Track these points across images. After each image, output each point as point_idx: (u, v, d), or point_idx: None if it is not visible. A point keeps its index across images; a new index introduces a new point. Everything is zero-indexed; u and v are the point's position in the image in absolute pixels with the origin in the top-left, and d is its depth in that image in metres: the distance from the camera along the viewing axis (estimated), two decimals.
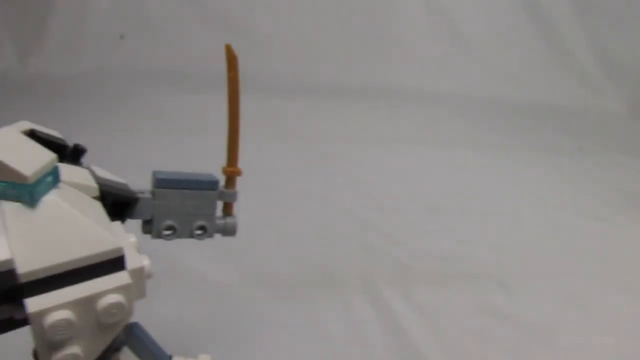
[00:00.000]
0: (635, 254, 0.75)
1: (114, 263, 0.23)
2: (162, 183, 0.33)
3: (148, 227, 0.34)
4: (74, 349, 0.23)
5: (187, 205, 0.34)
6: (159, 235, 0.34)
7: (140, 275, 0.24)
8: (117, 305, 0.23)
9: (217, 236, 0.36)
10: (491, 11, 1.66)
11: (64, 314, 0.22)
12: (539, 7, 1.66)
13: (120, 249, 0.23)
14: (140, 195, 0.32)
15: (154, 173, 0.33)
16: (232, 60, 0.34)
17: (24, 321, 0.23)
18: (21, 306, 0.22)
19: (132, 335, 0.30)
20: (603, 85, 1.65)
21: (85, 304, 0.22)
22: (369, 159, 0.98)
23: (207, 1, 1.52)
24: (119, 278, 0.23)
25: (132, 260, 0.24)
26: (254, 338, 0.49)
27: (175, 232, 0.34)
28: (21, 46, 1.39)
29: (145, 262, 0.25)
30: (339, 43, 1.52)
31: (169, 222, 0.34)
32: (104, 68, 1.37)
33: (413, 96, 1.46)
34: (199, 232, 0.35)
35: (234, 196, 0.36)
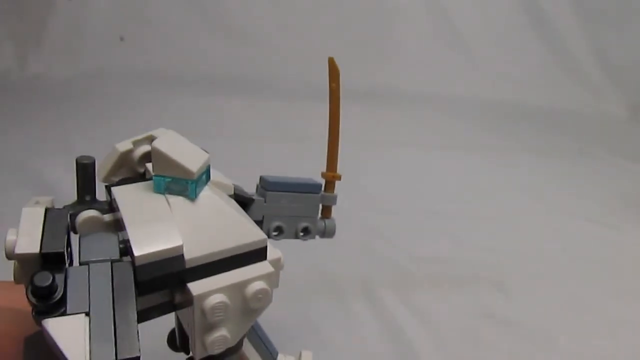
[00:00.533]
0: (635, 258, 0.74)
1: (259, 253, 0.26)
2: (274, 186, 0.35)
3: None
4: (224, 332, 0.25)
5: (293, 208, 0.36)
6: (268, 235, 0.36)
7: (277, 265, 0.27)
8: (263, 292, 0.25)
9: None
10: (491, 14, 1.65)
11: (222, 297, 0.24)
12: (539, 9, 1.65)
13: (265, 240, 0.26)
14: (255, 197, 0.34)
15: (263, 177, 0.36)
16: (334, 72, 0.36)
17: (178, 305, 0.25)
18: (180, 290, 0.24)
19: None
20: (603, 88, 1.63)
21: (237, 289, 0.24)
22: (369, 162, 0.97)
23: (208, 3, 1.52)
24: (264, 267, 0.25)
25: (271, 252, 0.26)
26: None
27: (282, 233, 0.36)
28: (21, 47, 1.38)
29: (280, 253, 0.27)
30: (339, 45, 1.49)
31: (277, 223, 0.36)
32: (104, 70, 1.37)
33: (413, 99, 1.46)
34: (302, 233, 0.37)
35: (333, 199, 0.38)
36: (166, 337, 0.32)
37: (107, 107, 1.17)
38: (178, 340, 0.30)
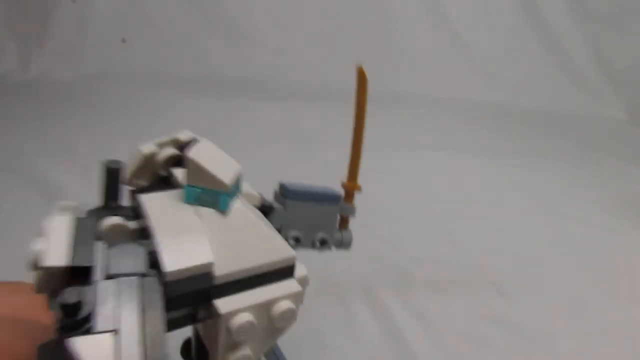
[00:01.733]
0: (634, 261, 0.74)
1: (287, 270, 0.25)
2: (294, 195, 0.34)
3: None
4: (247, 351, 0.24)
5: (312, 218, 0.35)
6: None
7: (304, 283, 0.26)
8: (290, 312, 0.24)
9: None
10: (491, 17, 1.66)
11: (248, 317, 0.23)
12: (539, 13, 1.66)
13: (294, 258, 0.25)
14: (275, 206, 0.33)
15: (283, 185, 0.35)
16: (362, 82, 0.35)
17: (201, 318, 0.24)
18: (204, 306, 0.23)
19: None
20: (603, 90, 1.64)
21: (264, 309, 0.23)
22: (369, 164, 0.96)
23: (209, 5, 1.52)
24: (291, 285, 0.25)
25: (298, 269, 0.26)
26: None
27: (299, 243, 0.35)
28: (24, 49, 1.38)
29: (305, 271, 0.26)
30: (340, 48, 1.50)
31: (295, 233, 0.35)
32: (106, 71, 1.37)
33: (414, 101, 1.46)
34: (319, 244, 0.36)
35: (352, 210, 0.37)
36: (179, 347, 0.31)
37: (109, 108, 1.17)
38: (194, 351, 0.29)
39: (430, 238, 0.74)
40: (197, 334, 0.28)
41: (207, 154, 0.23)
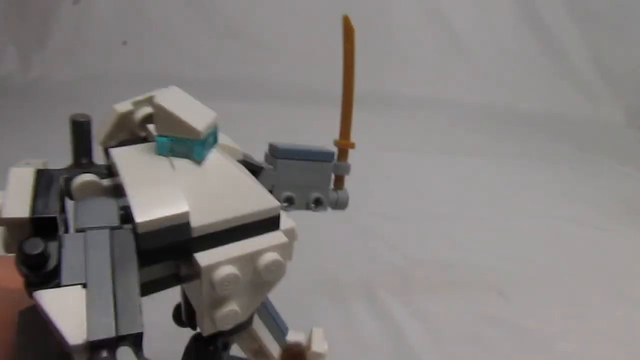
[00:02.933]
0: (632, 263, 0.74)
1: (271, 222, 0.23)
2: (284, 154, 0.33)
3: None
4: (234, 306, 0.23)
5: (305, 178, 0.34)
6: None
7: (291, 235, 0.24)
8: (276, 263, 0.23)
9: None
10: (491, 20, 1.66)
11: (232, 269, 0.22)
12: (538, 16, 1.66)
13: (278, 207, 0.23)
14: (264, 166, 0.32)
15: (273, 145, 0.34)
16: (349, 32, 0.34)
17: (184, 278, 0.23)
18: (186, 262, 0.22)
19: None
20: (602, 94, 1.63)
21: (248, 260, 0.22)
22: (369, 166, 0.97)
23: (209, 7, 1.53)
24: (277, 237, 0.23)
25: (284, 221, 0.24)
26: None
27: (292, 204, 0.34)
28: (24, 51, 1.39)
29: (293, 223, 0.25)
30: (339, 50, 1.50)
31: (287, 194, 0.34)
32: (107, 73, 1.38)
33: (413, 103, 1.46)
34: (314, 204, 0.35)
35: (347, 169, 0.36)
36: (171, 311, 0.30)
37: (109, 110, 1.16)
38: (184, 315, 0.28)
39: (430, 239, 0.74)
40: (185, 298, 0.28)
41: (177, 101, 0.22)
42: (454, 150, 1.15)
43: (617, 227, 0.84)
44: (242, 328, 0.27)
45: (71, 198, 0.23)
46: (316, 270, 0.62)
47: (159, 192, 0.21)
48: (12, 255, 0.30)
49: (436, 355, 0.51)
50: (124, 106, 0.27)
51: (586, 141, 1.34)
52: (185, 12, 1.52)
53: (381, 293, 0.60)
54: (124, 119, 0.26)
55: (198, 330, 0.29)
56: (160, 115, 0.22)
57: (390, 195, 0.87)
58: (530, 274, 0.68)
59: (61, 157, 0.85)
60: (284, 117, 1.22)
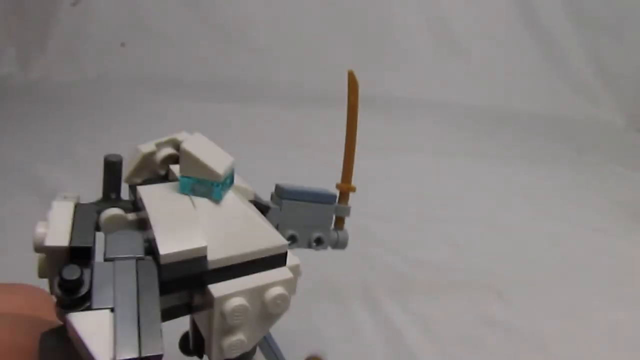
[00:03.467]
0: (631, 265, 0.75)
1: (279, 259, 0.26)
2: (290, 195, 0.35)
3: None
4: (241, 336, 0.25)
5: (308, 217, 0.36)
6: None
7: (296, 271, 0.27)
8: (282, 297, 0.25)
9: None
10: (490, 22, 1.68)
11: (242, 301, 0.24)
12: (537, 18, 1.68)
13: (286, 246, 0.26)
14: (271, 205, 0.35)
15: (279, 186, 0.36)
16: (353, 86, 0.37)
17: (195, 307, 0.25)
18: (200, 292, 0.24)
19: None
20: (601, 96, 1.64)
21: (257, 293, 0.24)
22: (368, 167, 0.96)
23: (208, 10, 1.54)
24: (284, 272, 0.25)
25: (290, 258, 0.27)
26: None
27: (295, 242, 0.36)
28: (23, 53, 1.40)
29: (298, 260, 0.27)
30: (339, 52, 1.51)
31: (291, 232, 0.36)
32: (106, 75, 1.39)
33: (411, 105, 1.46)
34: (315, 243, 0.37)
35: (347, 211, 0.38)
36: (178, 340, 0.31)
37: (109, 111, 1.18)
38: (192, 343, 0.30)
39: (429, 241, 0.74)
40: (194, 327, 0.29)
41: (200, 146, 0.25)
42: (453, 152, 1.15)
43: (617, 230, 0.85)
44: (246, 357, 0.29)
45: (98, 229, 0.25)
46: (314, 272, 0.61)
47: (181, 227, 0.23)
48: (19, 284, 0.32)
49: (435, 357, 0.51)
50: (147, 147, 0.29)
51: (586, 143, 1.34)
52: (184, 14, 1.53)
53: (380, 295, 0.60)
54: (147, 159, 0.29)
55: (205, 359, 0.30)
56: (185, 159, 0.24)
57: (389, 196, 0.88)
58: (529, 276, 0.68)
59: (60, 160, 0.85)
60: (283, 119, 1.23)
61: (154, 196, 0.25)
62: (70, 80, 1.35)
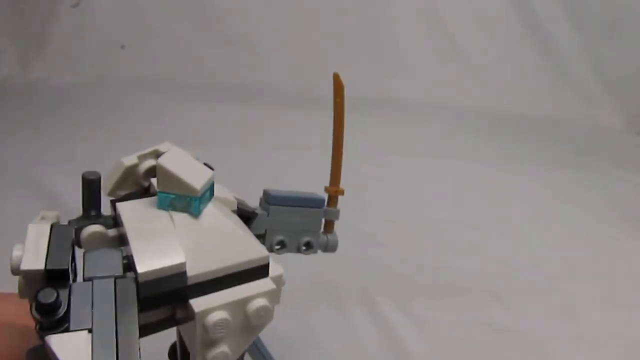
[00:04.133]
0: (631, 268, 0.74)
1: (261, 270, 0.26)
2: (277, 201, 0.35)
3: (260, 241, 0.36)
4: (225, 348, 0.25)
5: (296, 222, 0.36)
6: (270, 249, 0.36)
7: (279, 282, 0.27)
8: (265, 309, 0.25)
9: None
10: (489, 25, 1.66)
11: (223, 314, 0.24)
12: (536, 20, 1.65)
13: (267, 257, 0.26)
14: (258, 212, 0.35)
15: (267, 192, 0.36)
16: (338, 88, 0.37)
17: (179, 320, 0.26)
18: (182, 306, 0.25)
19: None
20: (600, 98, 1.62)
21: (239, 306, 0.24)
22: (367, 170, 0.97)
23: (208, 12, 1.53)
24: (265, 284, 0.26)
25: (273, 268, 0.27)
26: None
27: (284, 247, 0.36)
28: (23, 54, 1.40)
29: (281, 270, 0.27)
30: (338, 55, 1.50)
31: (279, 237, 0.36)
32: (105, 77, 1.38)
33: (411, 108, 1.45)
34: (305, 247, 0.37)
35: (336, 214, 0.38)
36: (167, 350, 0.32)
37: (108, 113, 1.18)
38: (179, 354, 0.30)
39: (428, 245, 0.74)
40: (180, 338, 0.30)
41: (177, 161, 0.25)
42: (452, 154, 1.15)
43: (616, 232, 0.84)
44: None
45: (80, 247, 0.25)
46: (314, 276, 0.62)
47: (159, 244, 0.23)
48: (12, 293, 0.32)
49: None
50: (129, 160, 0.29)
51: (584, 146, 1.33)
52: (184, 16, 1.52)
53: (379, 298, 0.60)
54: (130, 171, 0.29)
55: None
56: (162, 175, 0.24)
57: (388, 200, 0.87)
58: (528, 280, 0.68)
59: (60, 161, 0.85)
60: (283, 120, 1.22)
61: (132, 213, 0.25)
62: (70, 81, 1.35)
